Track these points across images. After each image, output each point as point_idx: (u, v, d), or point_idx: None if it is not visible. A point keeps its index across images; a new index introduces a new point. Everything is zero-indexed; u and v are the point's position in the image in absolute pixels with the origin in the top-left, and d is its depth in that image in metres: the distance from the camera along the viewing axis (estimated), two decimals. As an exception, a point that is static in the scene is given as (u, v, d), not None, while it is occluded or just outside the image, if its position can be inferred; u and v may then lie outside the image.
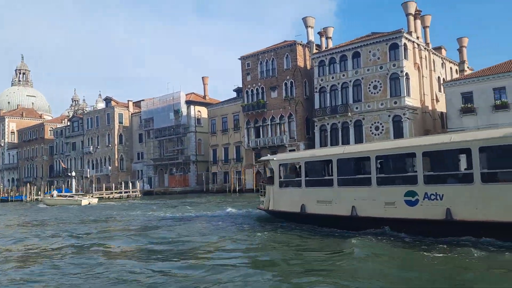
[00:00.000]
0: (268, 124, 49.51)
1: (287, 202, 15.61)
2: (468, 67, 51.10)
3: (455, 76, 47.84)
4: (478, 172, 10.52)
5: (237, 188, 50.53)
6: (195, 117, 60.87)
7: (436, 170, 11.85)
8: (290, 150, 45.15)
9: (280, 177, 16.12)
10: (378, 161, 13.00)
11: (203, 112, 61.09)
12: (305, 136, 47.01)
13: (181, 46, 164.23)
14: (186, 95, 62.25)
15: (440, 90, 44.38)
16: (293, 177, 15.91)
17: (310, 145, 44.82)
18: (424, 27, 45.55)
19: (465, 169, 11.60)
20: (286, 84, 48.31)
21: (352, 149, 15.46)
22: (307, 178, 14.84)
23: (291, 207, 15.29)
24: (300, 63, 47.90)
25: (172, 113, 60.31)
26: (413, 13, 42.56)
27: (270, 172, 19.04)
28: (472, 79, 36.93)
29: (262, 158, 19.19)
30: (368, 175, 12.93)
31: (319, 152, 16.66)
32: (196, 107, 61.25)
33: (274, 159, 16.66)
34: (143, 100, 66.73)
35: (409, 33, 41.04)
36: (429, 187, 11.37)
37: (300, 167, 15.44)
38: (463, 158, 12.04)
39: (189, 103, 60.78)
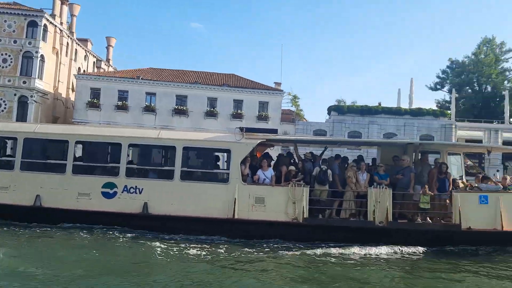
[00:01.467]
0: None
1: None
2: (111, 66, 54.85)
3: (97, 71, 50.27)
4: (179, 170, 11.24)
5: None
6: None
7: (139, 164, 11.97)
8: None
9: None
10: (78, 146, 11.99)
11: None
12: None
13: None
14: None
15: (78, 81, 45.50)
16: None
17: None
18: (72, 15, 45.54)
19: (167, 165, 12.09)
20: None
21: (46, 128, 13.37)
22: None
23: None
24: None
25: None
26: (61, -3, 41.79)
27: None
28: (102, 77, 39.88)
29: None
30: (64, 161, 11.75)
31: (2, 127, 13.47)
32: None
33: None
34: None
35: (53, 16, 39.93)
36: (130, 180, 11.31)
37: None
38: (166, 155, 12.48)
39: None
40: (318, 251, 10.18)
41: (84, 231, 10.98)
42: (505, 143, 37.55)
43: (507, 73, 55.83)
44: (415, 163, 12.30)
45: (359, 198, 11.39)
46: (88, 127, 15.93)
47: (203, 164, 11.94)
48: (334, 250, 10.26)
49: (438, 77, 58.82)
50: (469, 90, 55.56)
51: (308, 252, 10.12)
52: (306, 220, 10.88)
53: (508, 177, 13.58)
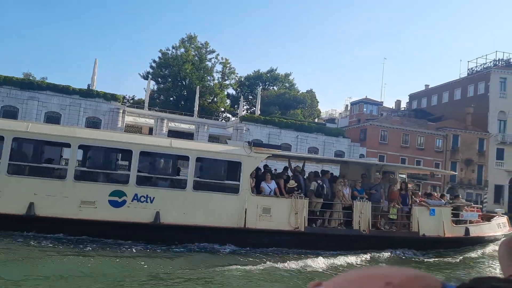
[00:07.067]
0: None
1: None
2: None
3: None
4: (192, 179, 11.69)
5: None
6: None
7: (151, 172, 12.04)
8: None
9: None
10: (82, 151, 11.54)
11: None
12: None
13: None
14: None
15: None
16: None
17: None
18: None
19: (180, 174, 12.51)
20: None
21: (43, 129, 12.07)
22: None
23: None
24: None
25: None
26: None
27: None
28: None
29: None
30: (64, 166, 11.62)
31: None
32: None
33: None
34: None
35: None
36: (140, 188, 11.29)
37: None
38: (180, 164, 12.93)
39: None
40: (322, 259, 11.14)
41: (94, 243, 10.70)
42: (170, 132, 39.74)
43: (206, 71, 59.83)
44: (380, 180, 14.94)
45: (344, 209, 13.46)
46: (95, 131, 14.86)
47: (215, 174, 12.60)
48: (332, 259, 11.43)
49: (151, 67, 61.41)
50: (172, 83, 59.03)
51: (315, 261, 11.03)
52: (307, 229, 12.40)
53: (435, 193, 17.22)
